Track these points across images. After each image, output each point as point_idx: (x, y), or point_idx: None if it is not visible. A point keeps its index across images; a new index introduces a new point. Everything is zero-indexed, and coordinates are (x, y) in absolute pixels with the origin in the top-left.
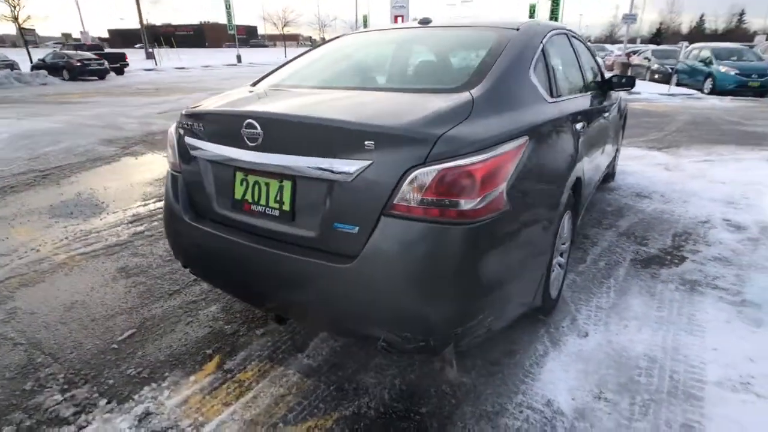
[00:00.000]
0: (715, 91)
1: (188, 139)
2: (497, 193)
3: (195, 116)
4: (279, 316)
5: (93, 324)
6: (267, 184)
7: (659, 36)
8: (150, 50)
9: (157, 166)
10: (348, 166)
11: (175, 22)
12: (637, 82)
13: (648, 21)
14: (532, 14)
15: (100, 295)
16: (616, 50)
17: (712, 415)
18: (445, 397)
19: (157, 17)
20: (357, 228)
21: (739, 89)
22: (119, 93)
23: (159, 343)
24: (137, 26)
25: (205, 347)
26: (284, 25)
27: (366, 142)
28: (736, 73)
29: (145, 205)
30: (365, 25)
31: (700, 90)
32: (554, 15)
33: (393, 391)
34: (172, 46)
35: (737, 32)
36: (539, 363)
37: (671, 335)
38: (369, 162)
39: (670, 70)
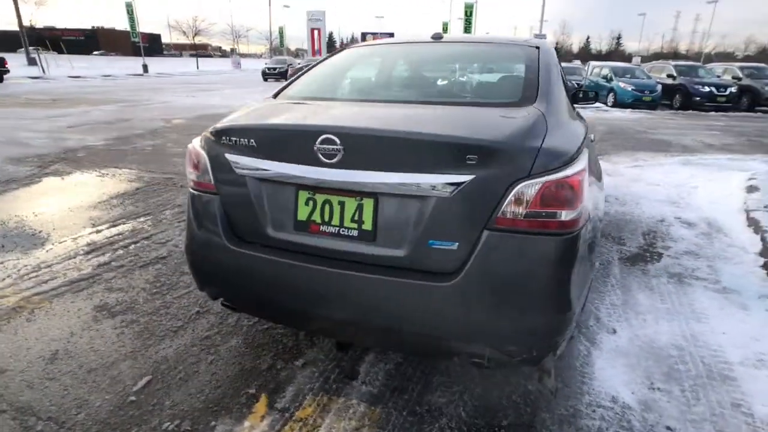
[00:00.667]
0: (616, 104)
1: (231, 156)
2: (586, 204)
3: (241, 131)
4: (341, 343)
5: (92, 375)
6: (341, 203)
7: (558, 54)
8: (32, 55)
9: (93, 187)
10: (447, 181)
11: (60, 25)
12: None
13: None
14: (445, 30)
15: (85, 341)
16: None
17: (751, 392)
18: (519, 406)
19: (42, 20)
20: (456, 244)
21: (636, 103)
22: (8, 104)
23: (187, 389)
24: (15, 28)
25: (245, 386)
26: (195, 35)
27: (468, 156)
28: (633, 89)
29: (98, 231)
30: (281, 37)
31: (605, 103)
32: (467, 31)
33: (467, 407)
34: (61, 52)
35: (617, 53)
36: (588, 363)
37: (685, 325)
38: (471, 176)
39: (577, 86)
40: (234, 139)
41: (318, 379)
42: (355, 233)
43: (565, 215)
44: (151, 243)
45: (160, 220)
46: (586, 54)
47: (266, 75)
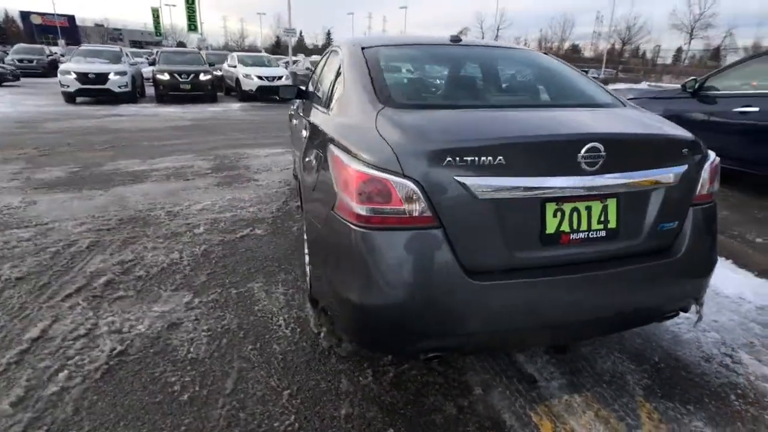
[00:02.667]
0: None
1: (465, 179)
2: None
3: (483, 149)
4: (559, 346)
5: None
6: (588, 208)
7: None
8: None
9: None
10: (674, 172)
11: None
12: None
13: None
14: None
15: None
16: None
17: None
18: (667, 336)
19: None
20: (676, 223)
21: None
22: None
23: None
24: None
25: None
26: None
27: (684, 149)
28: None
29: None
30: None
31: None
32: (190, 20)
33: (624, 355)
34: None
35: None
36: None
37: None
38: (686, 165)
39: None
40: (470, 158)
41: (514, 397)
42: (603, 234)
43: (714, 188)
44: None
45: None
46: (302, 49)
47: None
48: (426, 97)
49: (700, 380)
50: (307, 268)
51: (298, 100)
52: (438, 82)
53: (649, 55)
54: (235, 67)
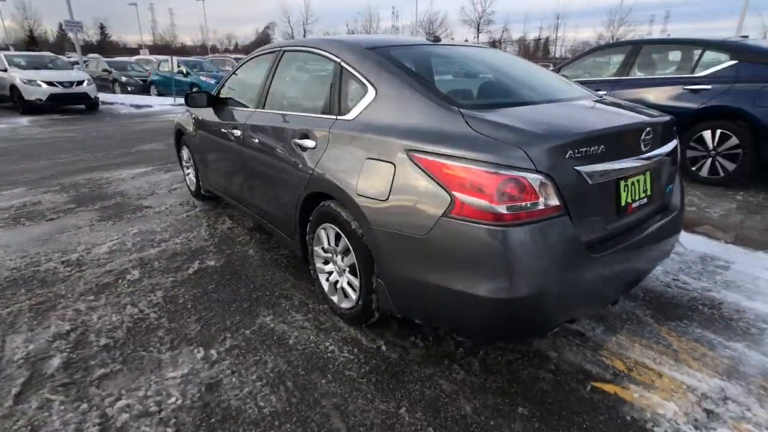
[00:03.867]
0: None
1: (581, 167)
2: None
3: (591, 139)
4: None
5: None
6: (638, 181)
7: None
8: None
9: None
10: (673, 145)
11: None
12: (115, 96)
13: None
14: None
15: None
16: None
17: None
18: None
19: None
20: (672, 184)
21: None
22: None
23: None
24: None
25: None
26: None
27: (673, 128)
28: (214, 82)
29: None
30: None
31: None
32: None
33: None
34: None
35: (111, 45)
36: None
37: None
38: (676, 138)
39: (142, 82)
40: (584, 149)
41: (580, 350)
42: (645, 200)
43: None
44: None
45: None
46: (68, 47)
47: None
48: (477, 96)
49: (677, 301)
50: (374, 283)
51: (191, 110)
52: (467, 81)
53: None
54: (4, 71)
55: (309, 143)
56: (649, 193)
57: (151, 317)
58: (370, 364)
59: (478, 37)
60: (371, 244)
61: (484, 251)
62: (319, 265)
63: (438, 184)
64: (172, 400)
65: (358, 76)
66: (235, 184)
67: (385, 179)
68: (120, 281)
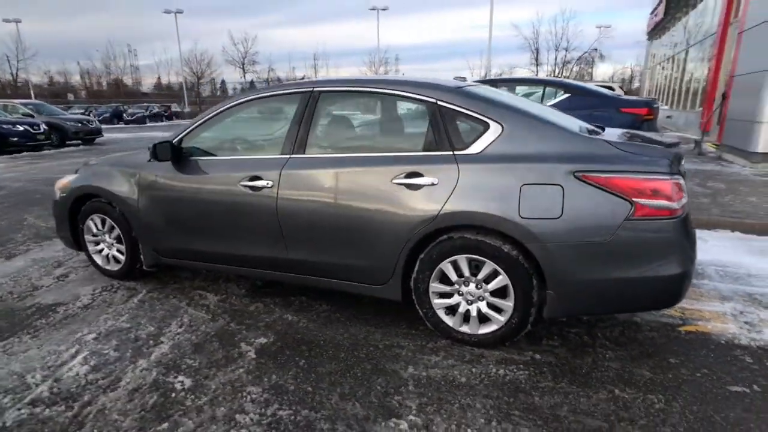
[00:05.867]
0: None
1: None
2: None
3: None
4: None
5: None
6: None
7: None
8: None
9: None
10: None
11: None
12: None
13: None
14: None
15: None
16: None
17: None
18: None
19: None
20: None
21: None
22: None
23: None
24: None
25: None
26: None
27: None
28: None
29: None
30: None
31: None
32: None
33: None
34: None
35: None
36: None
37: None
38: None
39: None
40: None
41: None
42: None
43: None
44: None
45: None
46: None
47: None
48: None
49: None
50: (535, 297)
51: (126, 168)
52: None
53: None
54: None
55: (424, 180)
56: None
57: (286, 419)
58: (555, 371)
59: (244, 77)
60: (542, 260)
61: (668, 240)
62: (436, 300)
63: (615, 195)
64: None
65: (470, 113)
66: (244, 243)
67: (554, 199)
68: (171, 395)
